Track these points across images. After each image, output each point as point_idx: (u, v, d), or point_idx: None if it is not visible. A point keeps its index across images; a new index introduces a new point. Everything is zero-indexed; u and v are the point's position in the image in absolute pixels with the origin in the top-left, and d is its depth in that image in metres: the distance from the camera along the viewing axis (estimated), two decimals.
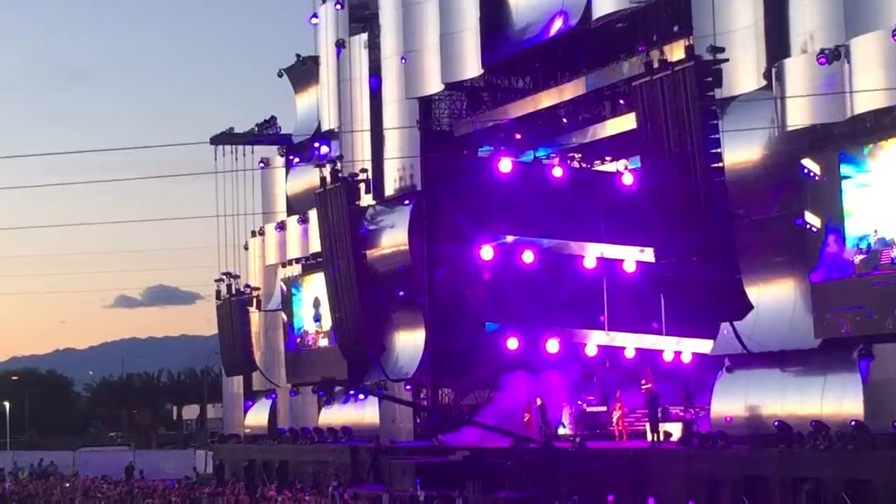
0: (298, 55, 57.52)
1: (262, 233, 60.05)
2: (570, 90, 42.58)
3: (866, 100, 29.90)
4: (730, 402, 34.93)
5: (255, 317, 59.39)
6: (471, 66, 44.81)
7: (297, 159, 58.41)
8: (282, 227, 57.43)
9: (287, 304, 56.14)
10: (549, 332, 45.37)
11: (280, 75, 58.76)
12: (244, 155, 60.12)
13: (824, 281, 31.54)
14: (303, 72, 57.09)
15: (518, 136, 46.37)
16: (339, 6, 52.36)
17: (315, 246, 52.54)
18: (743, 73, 33.75)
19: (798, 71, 31.74)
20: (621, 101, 40.60)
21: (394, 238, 48.35)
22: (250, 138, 60.69)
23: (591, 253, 45.81)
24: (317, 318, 53.70)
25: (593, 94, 41.94)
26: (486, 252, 46.41)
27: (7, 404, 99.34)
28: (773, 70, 32.53)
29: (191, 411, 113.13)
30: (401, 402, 47.09)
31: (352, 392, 51.78)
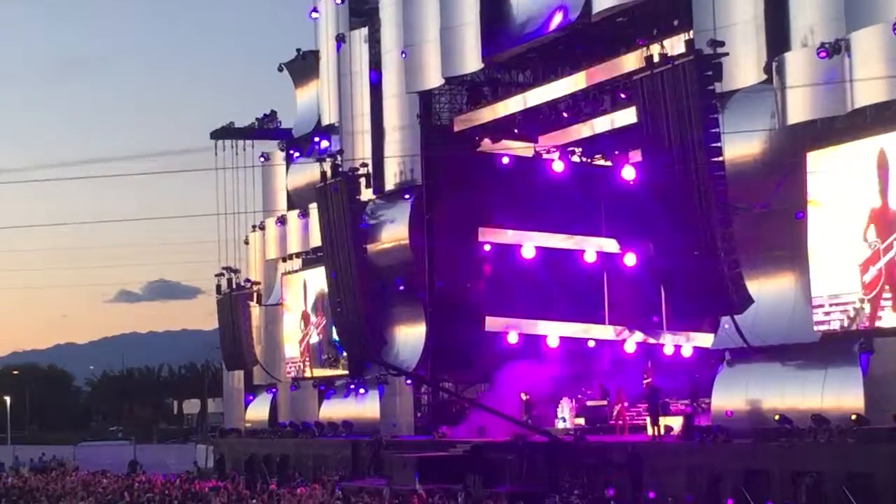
0: (298, 49, 57.57)
1: (262, 227, 60.09)
2: (570, 84, 42.56)
3: (867, 93, 29.92)
4: (730, 396, 34.97)
5: (255, 311, 59.39)
6: (471, 61, 44.81)
7: (297, 154, 58.46)
8: (282, 221, 57.47)
9: None
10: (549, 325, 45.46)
11: (280, 70, 58.80)
12: (244, 149, 60.18)
13: None
14: (303, 66, 57.11)
15: (518, 131, 46.36)
16: (339, 0, 52.38)
17: (315, 240, 52.56)
18: (743, 66, 33.75)
19: (798, 65, 31.74)
20: (622, 96, 40.57)
21: (394, 232, 48.38)
22: (251, 133, 60.70)
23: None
24: None
25: (594, 89, 41.91)
26: (487, 246, 46.46)
27: (8, 399, 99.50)
28: (774, 64, 32.53)
29: (191, 406, 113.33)
30: (403, 374, 46.95)
31: (352, 386, 51.90)
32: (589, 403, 43.64)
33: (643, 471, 34.35)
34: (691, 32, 34.47)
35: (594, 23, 39.49)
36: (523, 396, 43.75)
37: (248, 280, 59.60)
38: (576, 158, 46.79)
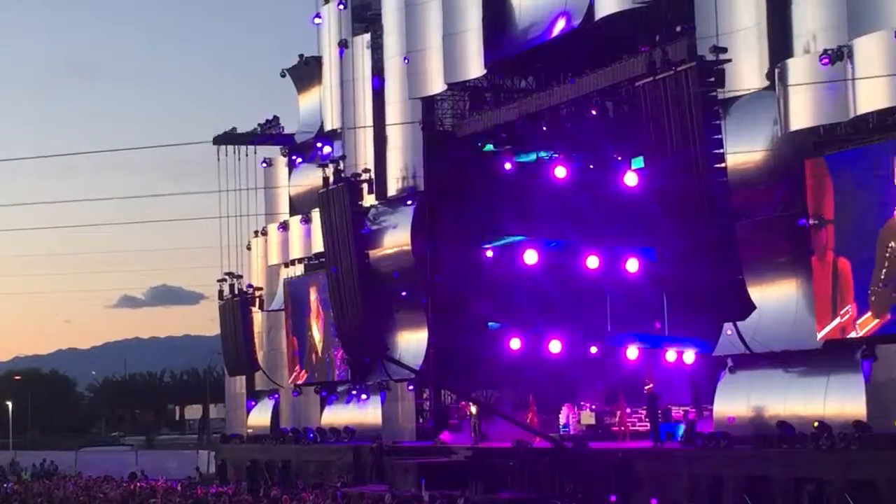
0: (301, 55, 57.59)
1: (264, 233, 60.07)
2: (572, 90, 42.53)
3: (869, 100, 29.91)
4: (732, 402, 34.94)
5: (257, 317, 59.39)
6: (474, 67, 44.82)
7: (299, 159, 58.49)
8: (284, 227, 57.45)
9: None
10: (551, 332, 45.40)
11: (283, 75, 58.84)
12: (247, 155, 60.24)
13: None
14: (306, 72, 57.14)
15: (520, 137, 46.32)
16: (341, 6, 52.39)
17: (318, 246, 52.55)
18: (746, 73, 33.77)
19: (801, 71, 31.74)
20: (624, 102, 40.54)
21: (396, 238, 48.36)
22: (253, 138, 60.75)
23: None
24: None
25: (596, 95, 41.90)
26: (489, 252, 46.41)
27: (10, 404, 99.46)
28: (776, 70, 32.54)
29: (193, 411, 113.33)
30: (406, 368, 46.93)
31: (354, 392, 51.88)
32: (590, 410, 43.62)
33: (645, 477, 34.35)
34: (694, 38, 34.46)
35: (596, 29, 39.49)
36: (473, 409, 44.05)
37: (250, 286, 59.56)
38: (578, 164, 46.74)
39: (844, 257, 31.51)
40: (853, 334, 31.11)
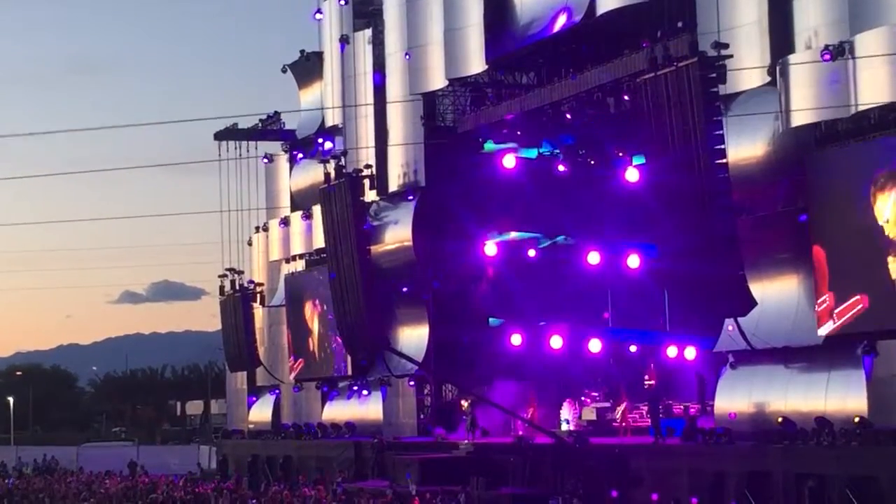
0: (302, 51, 57.62)
1: (265, 228, 60.06)
2: (574, 86, 42.50)
3: (871, 95, 29.90)
4: (734, 398, 34.97)
5: (258, 312, 59.36)
6: (475, 62, 44.80)
7: (301, 155, 58.49)
8: (286, 222, 57.44)
9: None
10: (552, 328, 45.39)
11: (284, 71, 58.86)
12: (248, 151, 60.23)
13: None
14: (307, 67, 57.14)
15: (521, 132, 46.30)
16: (343, 2, 52.38)
17: (319, 241, 52.55)
18: (747, 69, 33.72)
19: (802, 67, 31.72)
20: (625, 97, 40.51)
21: (398, 234, 48.35)
22: (254, 134, 60.73)
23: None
24: None
25: (597, 90, 41.87)
26: (490, 248, 46.42)
27: (11, 399, 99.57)
28: (778, 66, 32.52)
29: (195, 407, 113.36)
30: (409, 359, 46.93)
31: (355, 387, 51.88)
32: (592, 406, 43.61)
33: (646, 472, 34.36)
34: (695, 34, 34.44)
35: (598, 24, 39.46)
36: (464, 404, 43.99)
37: (251, 281, 59.52)
38: (579, 160, 46.70)
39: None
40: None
